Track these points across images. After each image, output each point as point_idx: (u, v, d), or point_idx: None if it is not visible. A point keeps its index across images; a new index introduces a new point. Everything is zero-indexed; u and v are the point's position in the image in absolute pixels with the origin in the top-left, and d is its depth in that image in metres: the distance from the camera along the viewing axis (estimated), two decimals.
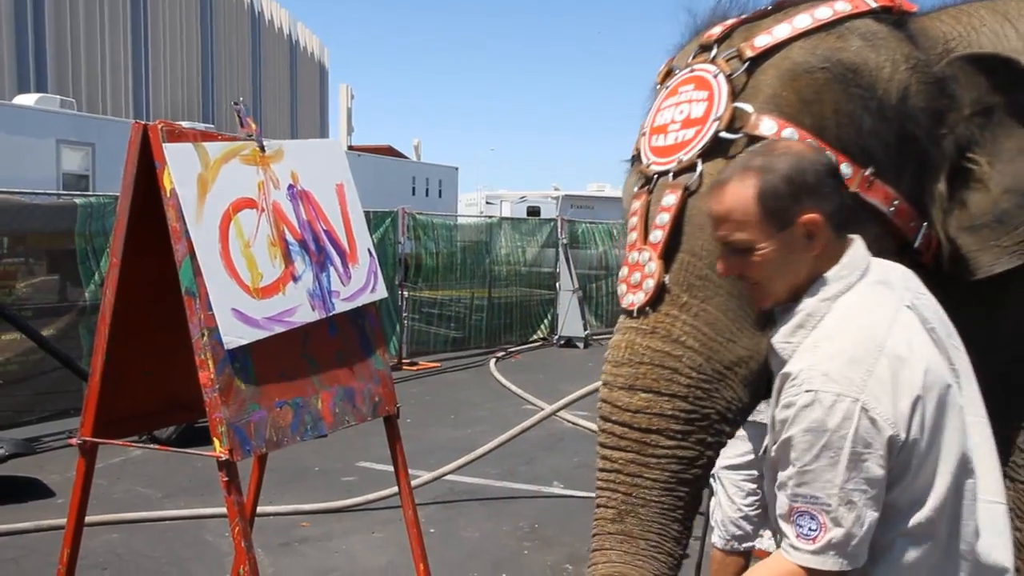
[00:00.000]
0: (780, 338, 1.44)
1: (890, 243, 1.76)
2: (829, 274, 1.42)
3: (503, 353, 11.19)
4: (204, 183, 2.44)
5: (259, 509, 3.39)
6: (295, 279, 2.68)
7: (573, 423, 6.84)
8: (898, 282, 1.47)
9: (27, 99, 14.18)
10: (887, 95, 1.76)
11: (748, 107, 1.73)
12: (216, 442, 2.40)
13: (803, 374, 1.35)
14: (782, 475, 1.38)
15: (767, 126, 1.71)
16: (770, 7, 1.89)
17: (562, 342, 12.10)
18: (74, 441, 2.64)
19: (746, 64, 1.78)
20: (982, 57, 1.79)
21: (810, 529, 1.34)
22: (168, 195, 2.37)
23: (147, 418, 2.92)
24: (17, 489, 5.13)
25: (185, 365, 2.59)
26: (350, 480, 5.62)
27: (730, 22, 1.87)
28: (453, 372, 9.97)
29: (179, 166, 2.37)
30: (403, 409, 3.02)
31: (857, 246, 1.47)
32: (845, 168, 1.68)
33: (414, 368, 9.96)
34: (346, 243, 2.91)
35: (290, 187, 2.73)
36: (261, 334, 2.52)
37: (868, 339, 1.36)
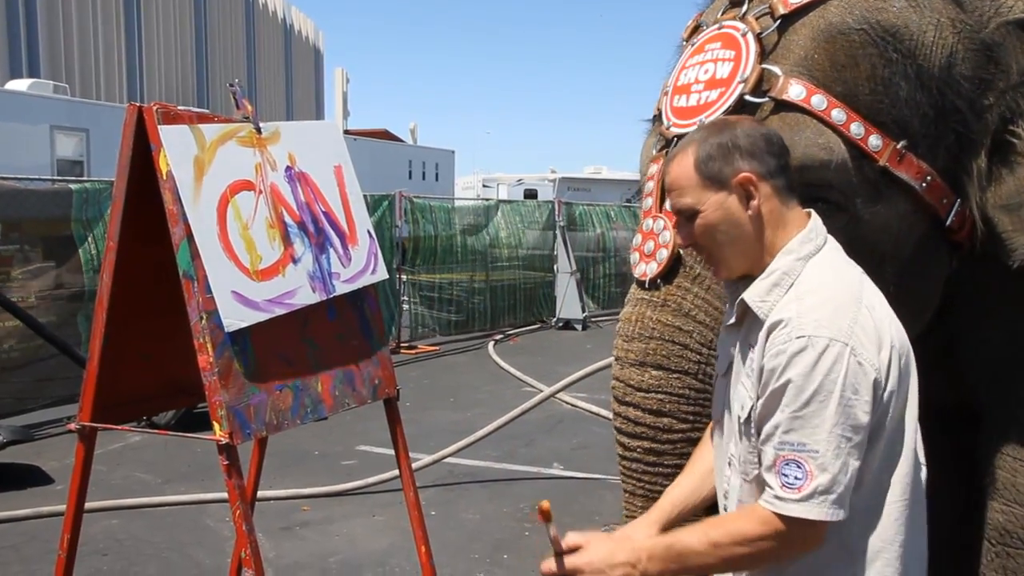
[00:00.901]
0: (756, 296, 1.43)
1: (921, 220, 1.70)
2: (798, 238, 1.43)
3: (501, 336, 11.19)
4: (201, 165, 2.41)
5: (259, 493, 3.39)
6: (295, 261, 2.65)
7: (572, 405, 6.84)
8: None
9: (20, 84, 14.07)
10: (929, 61, 1.66)
11: (777, 69, 1.65)
12: (216, 426, 2.38)
13: (793, 321, 1.35)
14: (768, 425, 1.37)
15: (795, 91, 1.63)
16: None
17: (560, 324, 12.10)
18: (73, 426, 2.62)
19: (778, 22, 1.69)
20: None
21: (796, 478, 1.33)
22: (164, 178, 2.34)
23: (146, 402, 2.91)
24: (16, 476, 5.12)
25: (184, 349, 2.57)
26: (350, 464, 5.62)
27: None
28: (452, 355, 9.96)
29: (175, 148, 2.34)
30: (402, 392, 3.01)
31: (816, 218, 1.48)
32: (875, 140, 1.62)
33: (413, 352, 9.95)
34: (345, 225, 2.88)
35: (288, 169, 2.70)
36: (261, 316, 2.50)
37: (847, 291, 1.38)
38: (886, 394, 1.36)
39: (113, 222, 2.49)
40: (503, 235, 11.97)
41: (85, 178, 8.63)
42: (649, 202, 1.76)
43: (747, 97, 1.67)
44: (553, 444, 6.11)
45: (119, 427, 2.80)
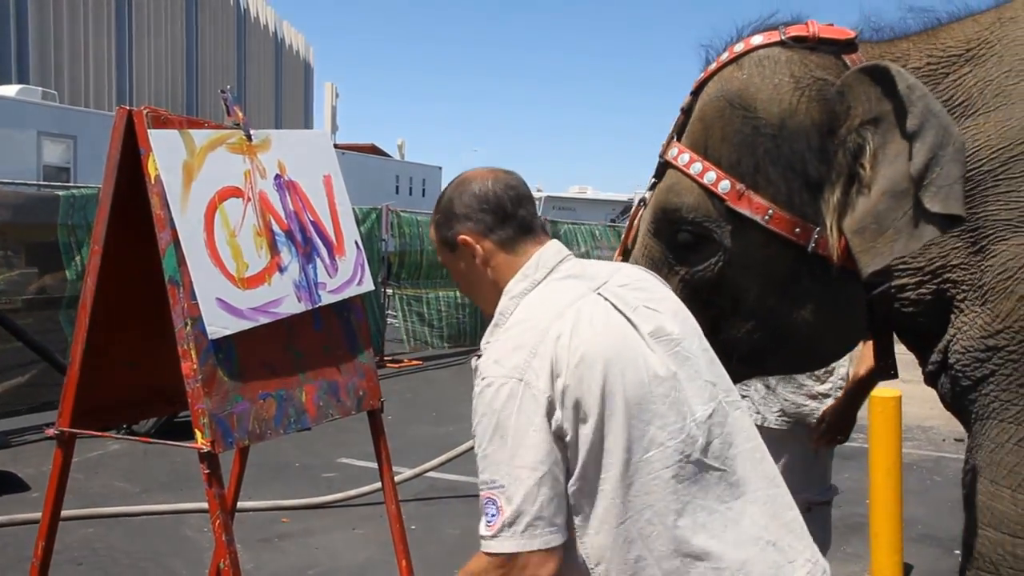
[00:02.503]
0: (485, 338, 1.55)
1: (779, 247, 1.95)
2: (515, 278, 1.56)
3: None
4: (190, 171, 2.41)
5: (239, 504, 3.36)
6: (281, 270, 2.65)
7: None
8: (595, 274, 1.56)
9: (8, 90, 14.01)
10: (767, 114, 1.95)
11: (675, 138, 2.09)
12: (198, 433, 2.37)
13: (481, 366, 1.46)
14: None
15: (671, 152, 2.06)
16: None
17: None
18: (51, 431, 2.60)
19: (692, 97, 2.10)
20: (869, 68, 1.88)
21: (491, 515, 1.38)
22: (153, 182, 2.34)
23: (127, 409, 2.89)
24: None
25: (167, 356, 2.56)
26: (331, 476, 5.59)
27: (713, 67, 2.10)
28: (435, 370, 9.94)
29: (164, 153, 2.34)
30: (385, 406, 3.00)
31: (546, 249, 1.58)
32: (724, 184, 1.95)
33: (396, 365, 9.92)
34: (333, 235, 2.88)
35: (277, 177, 2.70)
36: (246, 325, 2.49)
37: (534, 326, 1.45)
38: (573, 420, 1.38)
39: (99, 226, 2.48)
40: None
41: (72, 184, 8.58)
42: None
43: (660, 160, 2.11)
44: None
45: (98, 433, 2.78)
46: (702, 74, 2.09)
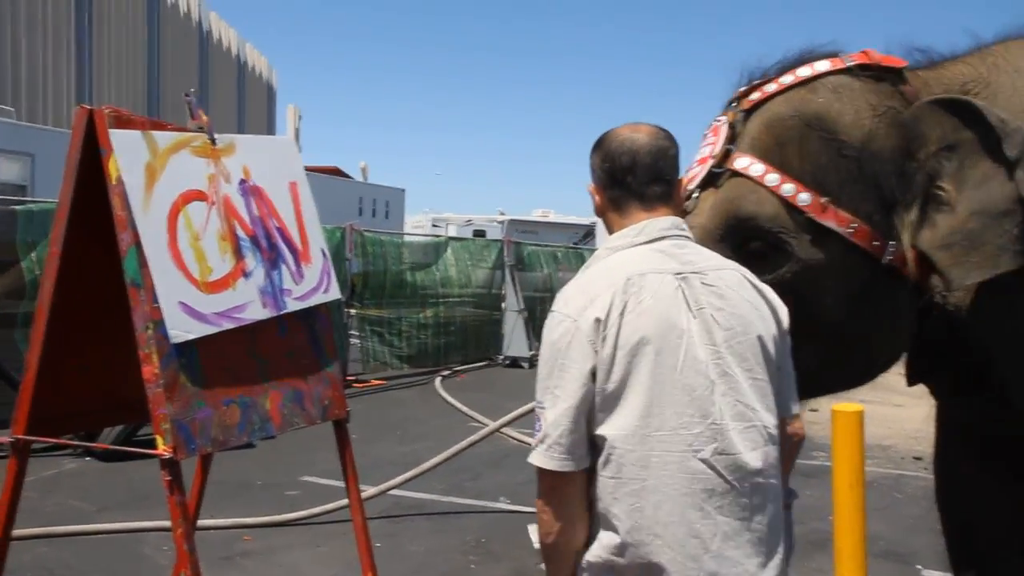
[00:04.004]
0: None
1: (858, 260, 2.07)
2: (618, 233, 1.71)
3: (449, 372, 11.12)
4: (152, 172, 2.37)
5: (199, 522, 3.28)
6: (246, 275, 2.62)
7: (518, 440, 6.80)
8: (690, 261, 1.64)
9: None
10: (848, 137, 2.10)
11: (733, 148, 2.16)
12: (159, 439, 2.32)
13: (556, 298, 1.63)
14: None
15: (741, 162, 2.13)
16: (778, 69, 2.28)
17: (507, 362, 12.08)
18: (5, 439, 2.52)
19: (742, 115, 2.20)
20: (944, 101, 2.08)
21: (536, 431, 1.57)
22: (114, 183, 2.30)
23: (86, 416, 2.82)
24: None
25: (126, 363, 2.51)
26: (294, 494, 5.49)
27: (755, 82, 2.25)
28: (399, 390, 9.86)
29: (126, 154, 2.31)
30: (349, 426, 2.96)
31: (656, 221, 1.68)
32: (804, 196, 2.06)
33: (360, 385, 9.83)
34: (299, 241, 2.86)
35: (242, 182, 2.68)
36: (209, 329, 2.45)
37: (604, 278, 1.59)
38: (609, 370, 1.52)
39: (58, 228, 2.43)
40: (452, 272, 11.95)
41: (29, 199, 8.42)
42: None
43: (713, 169, 2.16)
44: (499, 478, 6.06)
45: (54, 440, 2.71)
46: (756, 94, 2.21)
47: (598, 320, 1.54)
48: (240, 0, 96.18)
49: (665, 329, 1.54)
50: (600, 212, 1.77)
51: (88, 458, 6.08)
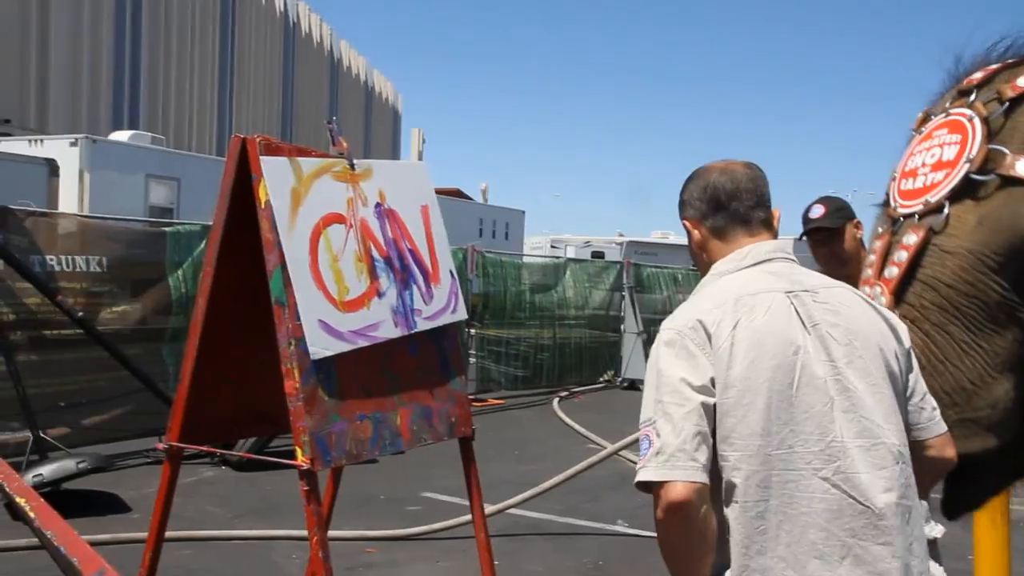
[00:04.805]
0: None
1: None
2: (722, 260, 1.68)
3: (566, 393, 11.12)
4: (297, 196, 2.51)
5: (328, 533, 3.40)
6: (379, 295, 2.73)
7: (636, 463, 6.73)
8: (798, 280, 1.61)
9: (121, 136, 14.88)
10: None
11: (1004, 148, 1.70)
12: (298, 451, 2.43)
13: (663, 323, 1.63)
14: None
15: (1021, 165, 1.68)
16: None
17: (625, 384, 11.98)
18: (161, 445, 2.71)
19: (1005, 105, 1.75)
20: None
21: (644, 450, 1.50)
22: (263, 206, 2.45)
23: (229, 427, 2.99)
24: (96, 503, 5.27)
25: (266, 377, 2.65)
26: (415, 509, 5.62)
27: (993, 67, 1.84)
28: (517, 410, 9.94)
29: (274, 179, 2.46)
30: None
31: (760, 244, 1.67)
32: None
33: (479, 404, 9.96)
34: (429, 263, 2.95)
35: (377, 205, 2.80)
36: (346, 347, 2.57)
37: (714, 297, 1.59)
38: (724, 384, 1.49)
39: (211, 248, 2.61)
40: (571, 294, 11.99)
41: (177, 220, 9.01)
42: (868, 272, 1.86)
43: (972, 175, 1.72)
44: (617, 501, 6.00)
45: (204, 448, 2.88)
46: (1015, 77, 1.76)
47: (708, 334, 1.52)
48: (369, 28, 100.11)
49: (780, 346, 1.51)
50: (700, 245, 1.73)
51: (224, 467, 6.41)
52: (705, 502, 1.47)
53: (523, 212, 27.51)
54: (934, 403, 1.64)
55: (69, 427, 6.13)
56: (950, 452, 1.65)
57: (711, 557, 1.51)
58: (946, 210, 1.72)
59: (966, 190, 1.71)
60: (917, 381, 1.62)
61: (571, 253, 23.39)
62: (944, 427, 1.63)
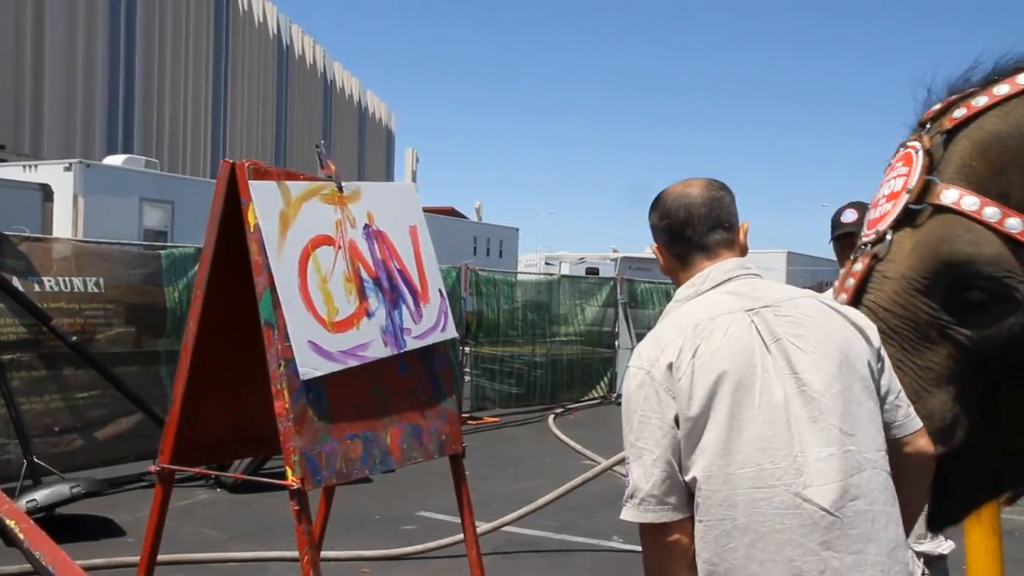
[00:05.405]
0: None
1: None
2: (683, 286, 1.73)
3: (561, 409, 11.13)
4: (286, 219, 2.55)
5: (321, 554, 3.42)
6: (369, 315, 2.76)
7: None
8: (759, 296, 1.64)
9: (115, 160, 14.94)
10: None
11: (936, 179, 1.81)
12: (288, 471, 2.46)
13: (633, 353, 1.67)
14: None
15: (949, 195, 1.78)
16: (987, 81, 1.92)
17: (620, 400, 11.96)
18: (153, 468, 2.73)
19: (944, 136, 1.84)
20: None
21: (626, 486, 1.57)
22: (252, 230, 2.49)
23: (221, 448, 3.01)
24: (91, 527, 5.27)
25: (258, 398, 2.68)
26: (410, 529, 5.62)
27: (951, 98, 1.91)
28: (512, 427, 9.94)
29: (263, 202, 2.50)
30: (462, 462, 3.04)
31: (719, 265, 1.70)
32: None
33: (474, 422, 9.96)
34: (418, 282, 2.99)
35: (366, 226, 2.84)
36: (335, 367, 2.60)
37: (674, 327, 1.62)
38: (686, 414, 1.52)
39: (202, 272, 2.65)
40: (564, 310, 12.03)
41: (171, 244, 9.03)
42: (844, 296, 1.90)
43: (910, 205, 1.82)
44: (612, 517, 5.96)
45: (195, 469, 2.91)
46: (961, 111, 1.86)
47: (670, 366, 1.55)
48: (362, 50, 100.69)
49: (739, 366, 1.54)
50: (666, 270, 1.79)
51: (219, 489, 6.41)
52: (681, 531, 1.54)
53: (517, 229, 27.56)
54: (908, 400, 1.65)
55: (63, 450, 6.12)
56: (926, 446, 1.66)
57: (691, 573, 1.55)
58: (888, 238, 1.83)
59: (906, 219, 1.82)
60: (891, 380, 1.64)
61: (566, 270, 23.46)
62: (919, 423, 1.65)
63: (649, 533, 1.56)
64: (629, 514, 1.56)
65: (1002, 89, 1.82)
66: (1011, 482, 1.98)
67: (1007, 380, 1.78)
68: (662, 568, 1.57)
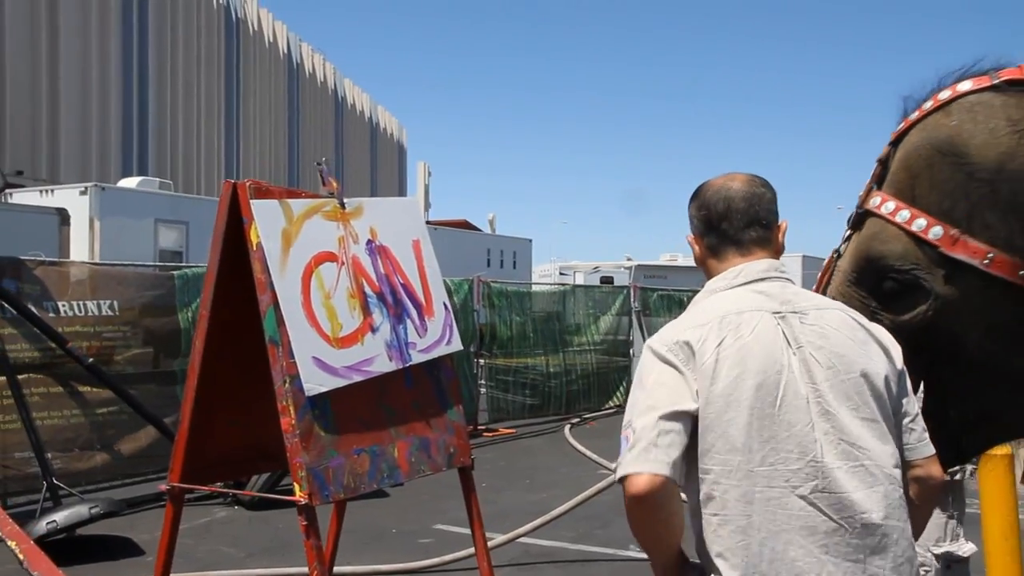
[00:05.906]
0: None
1: (999, 291, 1.92)
2: (716, 277, 1.75)
3: (577, 419, 11.10)
4: (288, 237, 2.58)
5: (337, 569, 3.43)
6: (373, 330, 2.78)
7: None
8: (788, 300, 1.67)
9: (130, 182, 15.14)
10: (982, 159, 1.95)
11: (874, 186, 2.10)
12: (296, 487, 2.48)
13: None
14: None
15: (874, 201, 2.06)
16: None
17: None
18: (163, 487, 2.76)
19: (892, 149, 2.11)
20: None
21: (622, 451, 1.53)
22: (255, 248, 2.52)
23: (233, 466, 3.04)
24: (111, 547, 5.31)
25: (267, 415, 2.70)
26: (427, 542, 5.62)
27: (907, 112, 2.12)
28: (528, 438, 9.93)
29: (265, 221, 2.53)
30: (478, 474, 3.05)
31: (754, 263, 1.72)
32: (936, 230, 1.95)
33: (489, 434, 9.96)
34: (422, 296, 3.01)
35: (369, 242, 2.86)
36: (340, 382, 2.62)
37: (700, 315, 1.64)
38: (705, 397, 1.53)
39: (207, 291, 2.68)
40: (578, 320, 12.02)
41: (185, 264, 9.12)
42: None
43: (857, 210, 2.11)
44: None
45: (207, 487, 2.93)
46: (901, 124, 2.10)
47: (692, 348, 1.56)
48: (372, 65, 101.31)
49: (765, 364, 1.55)
50: (700, 260, 1.81)
51: (237, 507, 6.44)
52: (670, 495, 1.50)
53: (530, 240, 27.59)
54: (923, 425, 1.68)
55: (84, 470, 6.19)
56: (937, 472, 1.69)
57: (678, 538, 1.57)
58: (846, 235, 2.12)
59: (857, 222, 2.11)
60: (910, 403, 1.66)
61: (580, 279, 23.44)
62: (932, 449, 1.69)
63: (639, 487, 1.48)
64: (623, 468, 1.49)
65: (927, 105, 2.06)
66: (969, 449, 2.18)
67: (938, 359, 1.98)
68: (648, 532, 1.56)
